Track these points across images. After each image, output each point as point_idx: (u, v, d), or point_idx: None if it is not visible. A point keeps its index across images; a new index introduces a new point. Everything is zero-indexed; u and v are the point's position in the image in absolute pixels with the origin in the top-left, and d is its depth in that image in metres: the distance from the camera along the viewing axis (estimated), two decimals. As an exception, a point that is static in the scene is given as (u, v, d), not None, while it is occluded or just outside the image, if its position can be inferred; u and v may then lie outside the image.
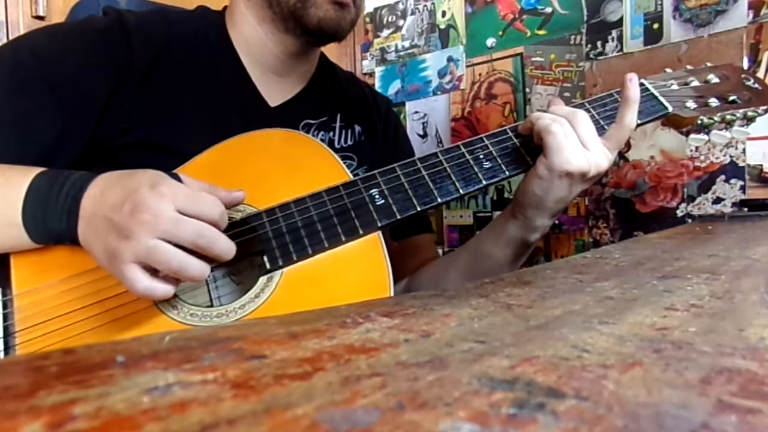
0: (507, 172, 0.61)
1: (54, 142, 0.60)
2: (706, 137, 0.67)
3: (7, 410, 0.13)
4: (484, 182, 0.60)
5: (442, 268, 0.79)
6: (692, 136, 0.67)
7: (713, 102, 0.66)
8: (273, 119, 0.69)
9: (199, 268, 0.48)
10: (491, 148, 0.61)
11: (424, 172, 0.60)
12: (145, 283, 0.47)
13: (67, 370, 0.16)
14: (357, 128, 0.82)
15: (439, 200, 0.59)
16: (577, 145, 0.58)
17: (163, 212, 0.46)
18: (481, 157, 0.61)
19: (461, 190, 0.59)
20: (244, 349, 0.19)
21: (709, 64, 0.72)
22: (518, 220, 0.65)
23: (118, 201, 0.48)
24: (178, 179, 0.52)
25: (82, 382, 0.15)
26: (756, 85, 0.68)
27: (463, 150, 0.61)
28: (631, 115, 0.61)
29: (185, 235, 0.47)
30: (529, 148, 0.61)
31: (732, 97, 0.66)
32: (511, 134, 0.63)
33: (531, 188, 0.61)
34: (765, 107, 0.66)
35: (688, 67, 0.71)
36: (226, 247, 0.49)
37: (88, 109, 0.61)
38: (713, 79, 0.69)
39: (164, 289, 0.49)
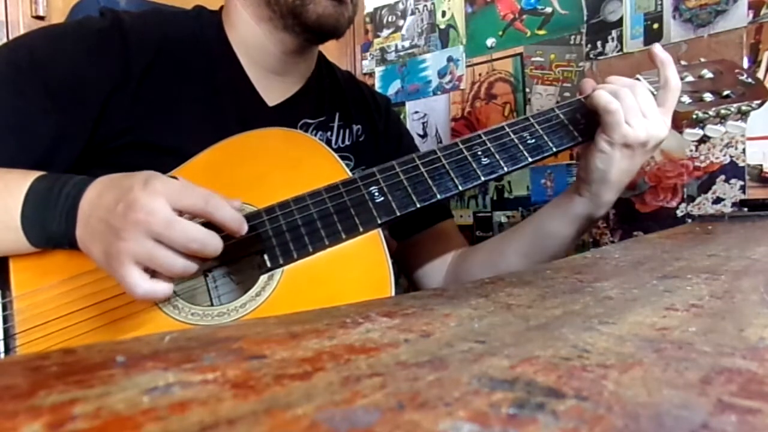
0: (505, 168, 0.61)
1: (51, 143, 0.60)
2: (701, 132, 0.68)
3: (7, 410, 0.13)
4: (482, 178, 0.60)
5: (495, 251, 0.78)
6: (687, 130, 0.68)
7: (707, 97, 0.67)
8: (271, 119, 0.69)
9: (196, 266, 0.50)
10: (489, 144, 0.62)
11: (422, 169, 0.60)
12: (145, 286, 0.47)
13: (67, 370, 0.16)
14: (355, 128, 0.82)
15: (439, 197, 0.59)
16: (638, 117, 0.60)
17: (157, 211, 0.46)
18: (479, 153, 0.61)
19: (460, 187, 0.60)
20: (244, 349, 0.19)
21: (703, 60, 0.73)
22: (585, 197, 0.67)
23: (112, 201, 0.48)
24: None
25: (82, 382, 0.15)
26: (749, 80, 0.69)
27: (461, 147, 0.62)
28: (673, 76, 0.63)
29: (177, 239, 0.47)
30: (526, 144, 0.62)
31: (726, 92, 0.67)
32: (508, 130, 0.63)
33: (594, 163, 0.63)
34: (758, 101, 0.66)
35: (683, 62, 0.72)
36: (218, 247, 0.50)
37: (85, 110, 0.61)
38: (707, 74, 0.69)
39: (164, 289, 0.49)
